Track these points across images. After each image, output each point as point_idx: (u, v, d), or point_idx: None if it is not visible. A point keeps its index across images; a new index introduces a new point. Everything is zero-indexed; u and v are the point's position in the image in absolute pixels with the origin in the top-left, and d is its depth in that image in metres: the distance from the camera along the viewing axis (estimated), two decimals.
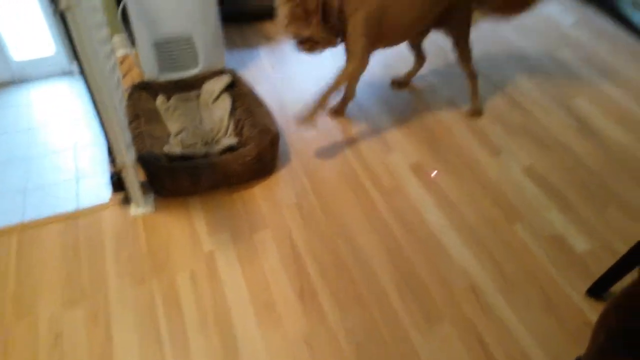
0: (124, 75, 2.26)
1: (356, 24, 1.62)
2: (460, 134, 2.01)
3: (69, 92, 2.29)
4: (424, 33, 2.01)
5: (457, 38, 1.90)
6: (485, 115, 2.09)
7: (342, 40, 1.70)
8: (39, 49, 2.34)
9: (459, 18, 1.84)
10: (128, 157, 1.52)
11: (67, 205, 1.78)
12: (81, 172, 1.93)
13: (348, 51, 1.72)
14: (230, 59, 2.36)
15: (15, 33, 2.29)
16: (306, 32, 1.54)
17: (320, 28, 1.55)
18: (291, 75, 2.29)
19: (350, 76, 1.76)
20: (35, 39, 2.33)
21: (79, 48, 1.24)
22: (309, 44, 1.59)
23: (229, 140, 1.79)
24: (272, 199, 1.74)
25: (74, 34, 1.20)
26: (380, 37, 1.71)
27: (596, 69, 2.34)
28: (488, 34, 2.56)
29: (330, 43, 1.62)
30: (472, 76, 2.03)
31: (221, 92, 1.99)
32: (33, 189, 1.87)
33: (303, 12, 1.49)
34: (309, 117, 1.76)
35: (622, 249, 1.61)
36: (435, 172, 1.60)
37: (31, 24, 2.31)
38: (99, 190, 1.82)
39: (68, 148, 2.03)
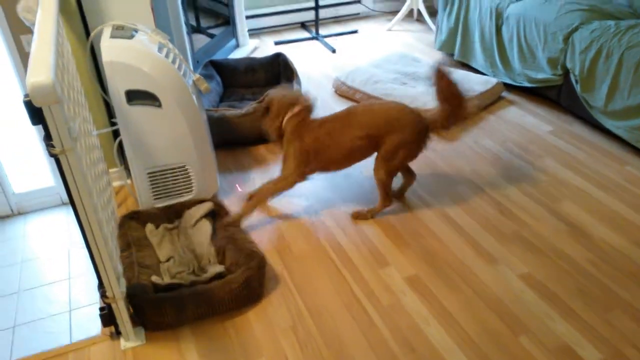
0: (120, 205, 2.31)
1: (289, 150, 2.06)
2: (454, 245, 2.01)
3: (66, 222, 2.32)
4: None
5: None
6: (478, 225, 2.11)
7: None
8: (38, 181, 2.41)
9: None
10: (118, 290, 1.50)
11: (59, 340, 1.73)
12: (75, 303, 1.89)
13: (283, 166, 2.10)
14: (223, 183, 2.43)
15: (15, 166, 2.38)
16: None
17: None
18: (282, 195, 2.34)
19: (279, 188, 2.10)
20: (35, 171, 2.41)
21: (71, 188, 1.28)
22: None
23: (216, 267, 1.78)
24: (266, 323, 1.69)
25: (67, 175, 1.25)
26: (316, 165, 2.09)
27: (577, 172, 2.41)
28: (471, 145, 2.67)
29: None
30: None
31: (201, 217, 2.01)
32: (23, 324, 1.82)
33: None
34: (244, 214, 2.07)
35: (635, 355, 1.54)
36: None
37: (31, 156, 2.41)
38: (93, 322, 1.77)
39: (62, 279, 2.01)
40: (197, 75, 2.11)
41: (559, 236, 2.04)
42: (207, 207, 2.06)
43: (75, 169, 1.27)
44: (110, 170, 2.39)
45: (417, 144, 2.05)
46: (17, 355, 1.67)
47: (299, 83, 3.03)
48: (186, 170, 2.12)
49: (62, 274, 2.03)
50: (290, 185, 2.09)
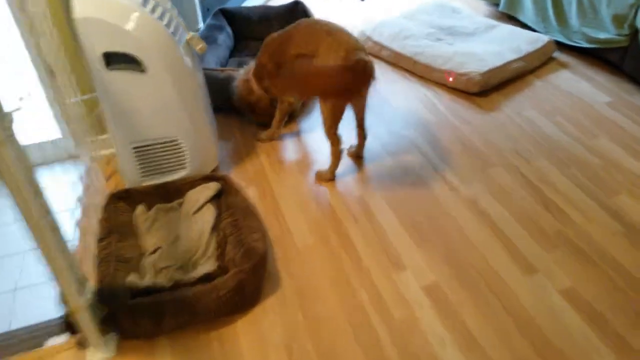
0: (109, 177, 2.08)
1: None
2: (484, 246, 1.71)
3: (74, 176, 2.18)
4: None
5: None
6: (515, 220, 1.79)
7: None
8: (44, 134, 2.35)
9: None
10: (80, 300, 1.28)
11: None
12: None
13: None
14: (224, 154, 2.16)
15: (20, 120, 2.26)
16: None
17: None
18: (288, 171, 2.06)
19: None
20: (40, 124, 2.31)
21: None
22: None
23: (206, 266, 1.54)
24: (257, 337, 1.46)
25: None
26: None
27: (638, 157, 2.04)
28: (513, 117, 2.30)
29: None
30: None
31: (206, 202, 1.76)
32: (24, 287, 1.80)
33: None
34: (267, 139, 2.22)
35: None
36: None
37: (36, 109, 2.28)
38: None
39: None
40: (191, 34, 1.80)
41: (612, 240, 1.71)
42: (213, 188, 1.80)
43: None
44: (100, 137, 2.15)
45: (339, 81, 1.73)
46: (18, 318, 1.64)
47: None
48: (178, 144, 1.85)
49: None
50: (287, 108, 2.15)
